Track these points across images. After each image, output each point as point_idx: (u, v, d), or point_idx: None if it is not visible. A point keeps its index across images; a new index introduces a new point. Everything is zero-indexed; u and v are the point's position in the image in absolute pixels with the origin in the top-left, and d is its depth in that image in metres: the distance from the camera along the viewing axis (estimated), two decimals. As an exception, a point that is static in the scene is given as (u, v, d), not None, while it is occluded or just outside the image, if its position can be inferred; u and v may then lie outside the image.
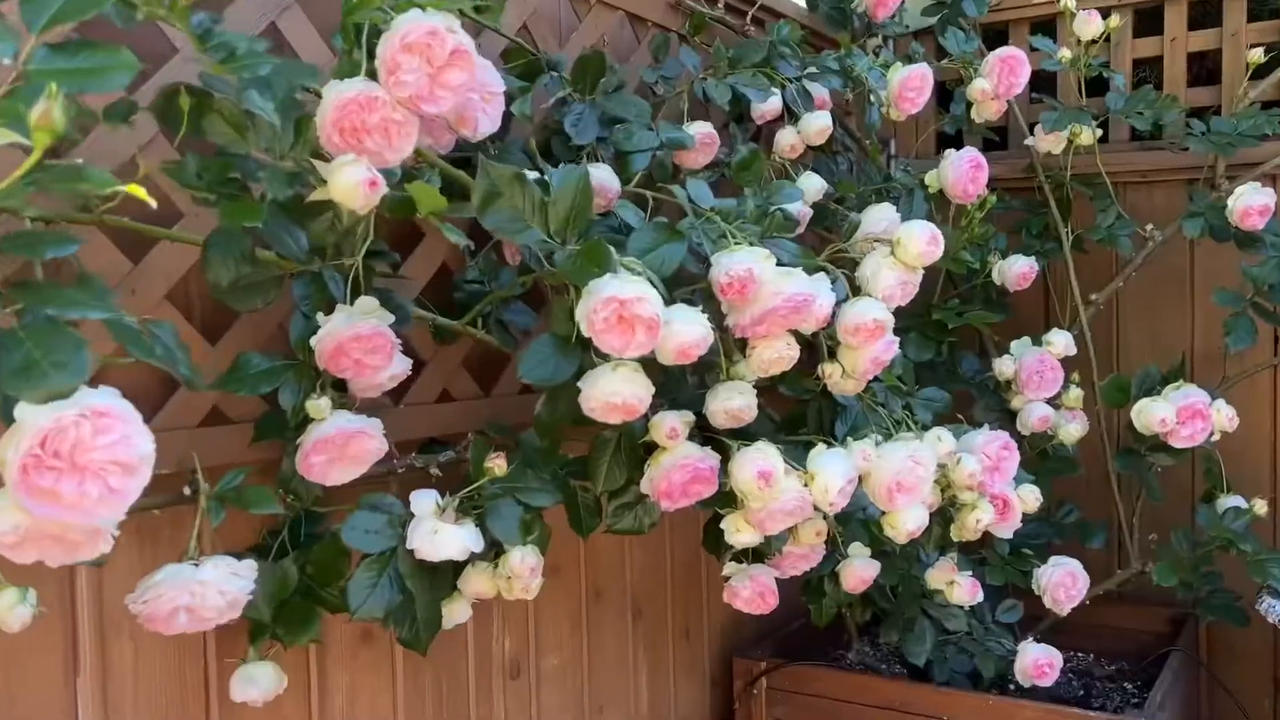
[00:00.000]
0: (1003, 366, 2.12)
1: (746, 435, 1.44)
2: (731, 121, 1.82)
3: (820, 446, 1.31)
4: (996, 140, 2.62)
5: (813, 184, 1.70)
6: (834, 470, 1.26)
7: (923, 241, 1.32)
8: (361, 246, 1.21)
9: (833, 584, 1.80)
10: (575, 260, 1.08)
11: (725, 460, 1.32)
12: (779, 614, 2.44)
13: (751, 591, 1.54)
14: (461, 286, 1.44)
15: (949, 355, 2.33)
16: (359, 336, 1.12)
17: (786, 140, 1.78)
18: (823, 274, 1.31)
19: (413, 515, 1.13)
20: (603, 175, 1.42)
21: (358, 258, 1.21)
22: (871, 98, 1.84)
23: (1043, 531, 2.27)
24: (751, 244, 1.24)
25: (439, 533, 1.11)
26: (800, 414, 1.60)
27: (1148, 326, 2.55)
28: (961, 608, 1.97)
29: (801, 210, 1.68)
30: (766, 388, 1.54)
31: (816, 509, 1.29)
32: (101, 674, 1.17)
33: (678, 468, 1.27)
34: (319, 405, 1.11)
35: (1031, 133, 2.36)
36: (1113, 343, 2.57)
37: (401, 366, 1.21)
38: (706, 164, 1.63)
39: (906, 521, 1.40)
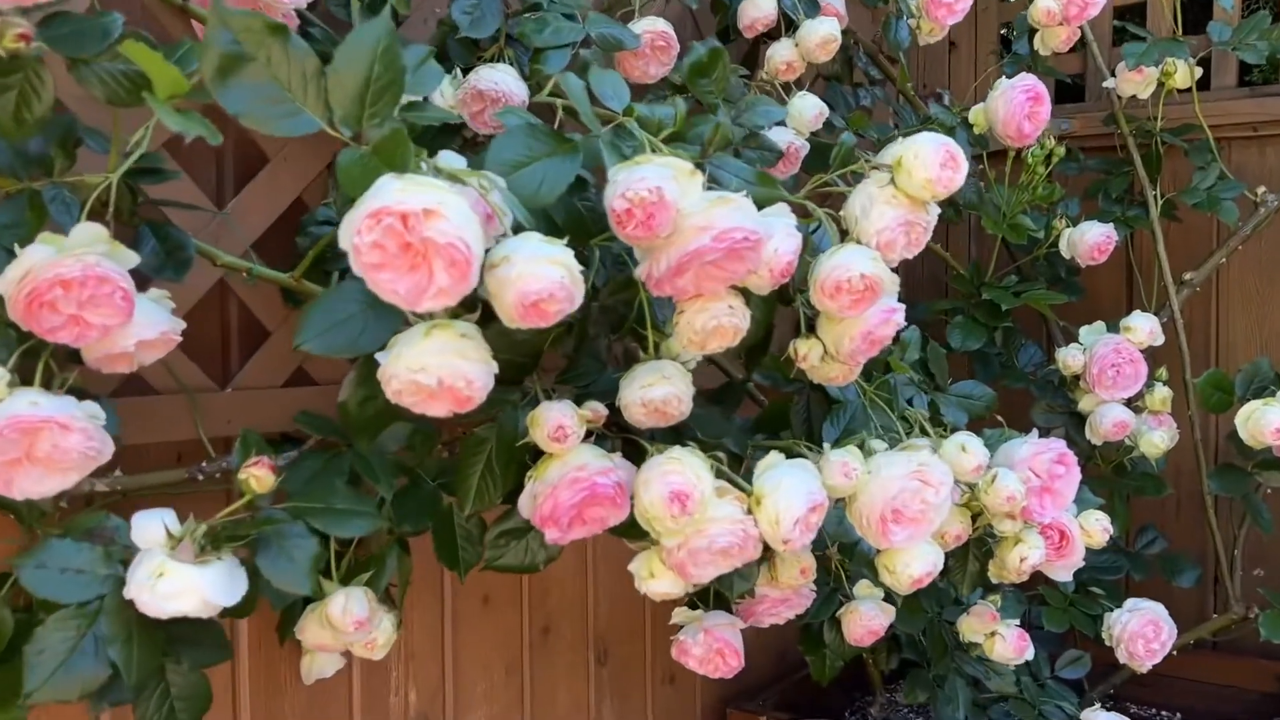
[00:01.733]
0: (1068, 358, 1.68)
1: (693, 440, 1.05)
2: (714, 36, 1.41)
3: (773, 458, 0.91)
4: (1071, 85, 2.17)
5: (806, 107, 1.28)
6: (790, 492, 0.86)
7: (934, 162, 0.91)
8: (117, 159, 0.85)
9: (834, 631, 1.39)
10: (359, 162, 0.69)
11: (651, 472, 0.93)
12: (791, 654, 2.04)
13: (705, 650, 1.14)
14: (308, 229, 1.06)
15: (1004, 344, 1.89)
16: (64, 280, 0.75)
17: (780, 56, 1.37)
18: (783, 208, 0.91)
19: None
20: (500, 77, 1.03)
21: (113, 175, 0.84)
22: (898, 4, 1.42)
23: (1118, 564, 1.83)
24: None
25: (165, 575, 0.73)
26: (780, 411, 1.19)
27: (1256, 312, 2.06)
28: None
29: (792, 144, 1.27)
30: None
31: (769, 546, 0.89)
32: None
33: (566, 483, 0.88)
34: (-6, 378, 0.75)
35: (1112, 73, 1.91)
36: (1211, 332, 2.09)
37: (159, 329, 0.84)
38: (662, 76, 1.23)
39: (909, 564, 0.99)
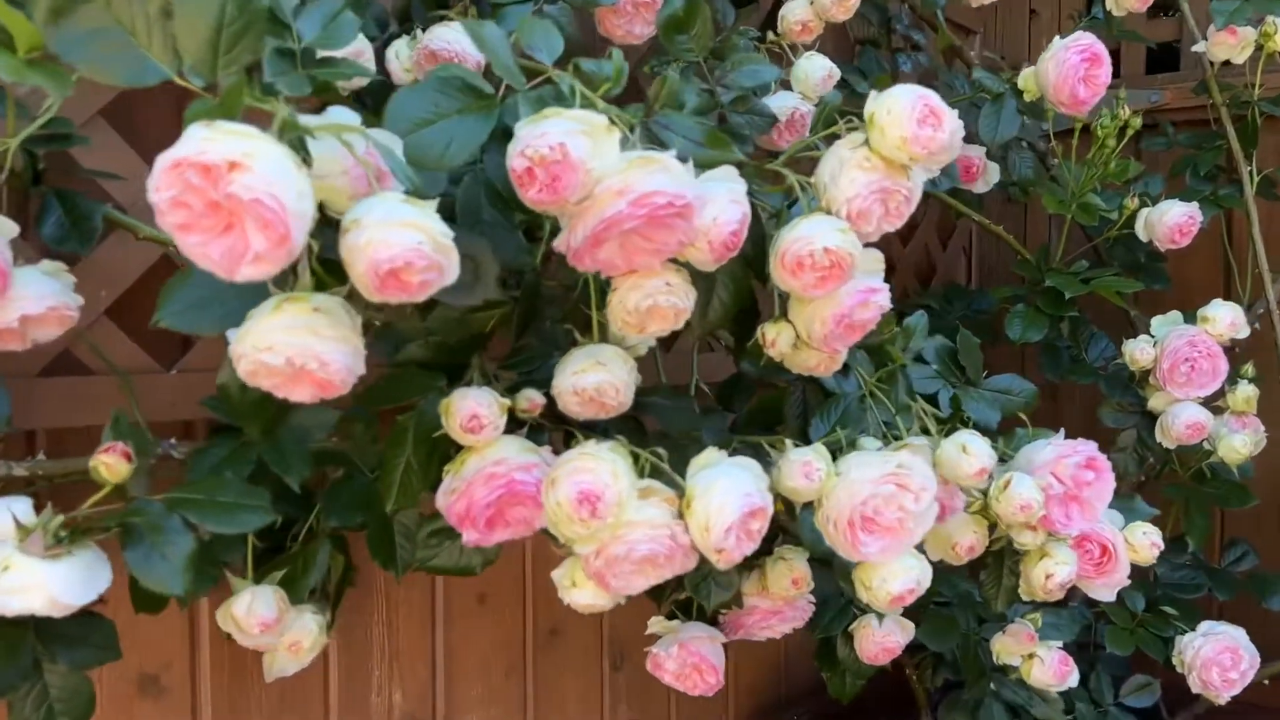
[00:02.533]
0: (1136, 351, 1.51)
1: (663, 435, 0.95)
2: None
3: (709, 455, 0.80)
4: (1164, 53, 1.98)
5: (813, 69, 1.16)
6: (724, 494, 0.75)
7: (909, 117, 0.79)
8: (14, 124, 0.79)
9: (848, 647, 1.27)
10: (208, 115, 0.61)
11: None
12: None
13: (680, 665, 1.04)
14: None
15: (1072, 336, 1.72)
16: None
17: (795, 15, 1.24)
18: (730, 171, 0.80)
19: None
20: (453, 36, 0.95)
21: (12, 141, 0.79)
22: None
23: (1197, 582, 1.64)
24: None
25: (10, 570, 0.67)
26: (774, 404, 1.08)
27: (1369, 304, 1.84)
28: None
29: (796, 109, 1.15)
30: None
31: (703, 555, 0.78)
32: None
33: (482, 479, 0.79)
34: None
35: (1204, 36, 1.72)
36: (1315, 326, 1.87)
37: (46, 303, 0.78)
38: (651, 36, 1.12)
39: (886, 580, 0.87)
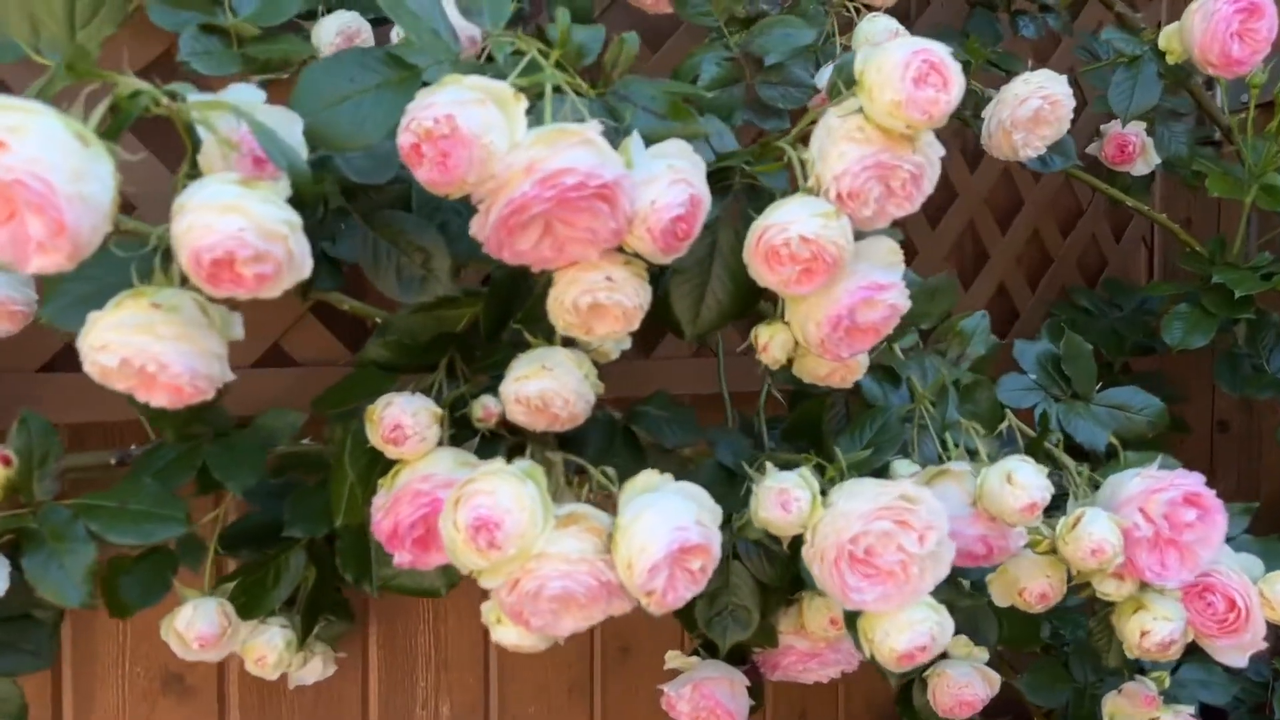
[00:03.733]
0: (1315, 361, 1.26)
1: (655, 448, 0.85)
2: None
3: (645, 479, 0.68)
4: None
5: (875, 31, 1.00)
6: (650, 527, 0.63)
7: (899, 75, 0.64)
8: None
9: (923, 695, 1.11)
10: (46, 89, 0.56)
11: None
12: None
13: (693, 706, 0.93)
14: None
15: (1250, 342, 1.47)
16: None
17: (871, -27, 1.09)
18: (683, 147, 0.68)
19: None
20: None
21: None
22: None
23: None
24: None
25: (-105, 573, 0.65)
26: (813, 417, 0.94)
27: None
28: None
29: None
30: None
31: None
32: None
33: (408, 496, 0.71)
34: None
35: None
36: None
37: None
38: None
39: (889, 635, 0.72)
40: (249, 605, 0.85)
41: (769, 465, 0.73)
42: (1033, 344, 1.10)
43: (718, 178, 0.79)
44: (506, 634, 0.73)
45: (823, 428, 0.94)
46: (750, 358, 0.91)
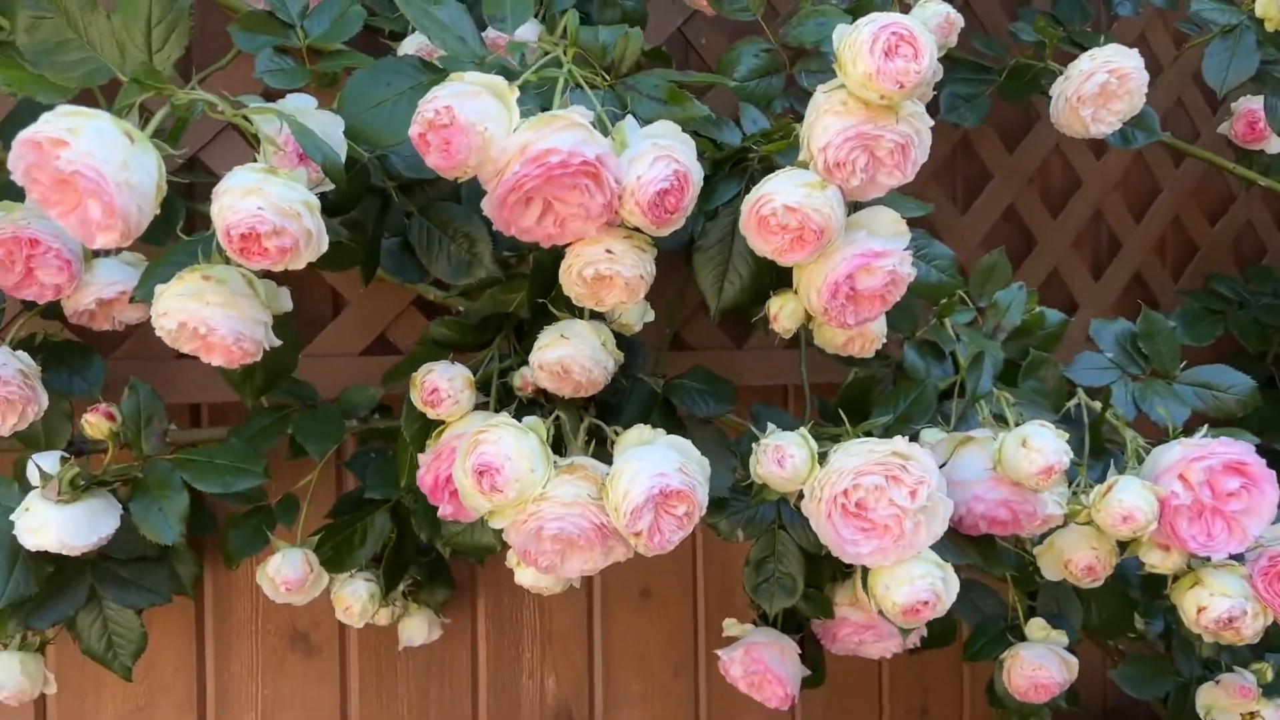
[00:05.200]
0: None
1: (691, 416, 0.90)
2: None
3: (636, 433, 0.73)
4: None
5: (929, 14, 1.01)
6: (634, 474, 0.69)
7: (868, 49, 0.67)
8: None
9: (1002, 679, 1.10)
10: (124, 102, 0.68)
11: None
12: (1093, 693, 1.63)
13: (744, 670, 0.97)
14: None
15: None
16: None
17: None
18: (672, 129, 0.73)
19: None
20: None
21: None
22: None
23: None
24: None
25: (29, 512, 0.79)
26: (862, 391, 0.97)
27: None
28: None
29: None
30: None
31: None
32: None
33: (445, 453, 0.79)
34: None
35: None
36: None
37: (118, 288, 0.89)
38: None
39: (889, 589, 0.75)
40: (336, 560, 0.96)
41: (770, 425, 0.77)
42: (1110, 323, 1.07)
43: (736, 160, 0.84)
44: (524, 575, 0.80)
45: (870, 402, 0.96)
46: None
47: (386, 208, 0.87)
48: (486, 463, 0.70)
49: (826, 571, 1.00)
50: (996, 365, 0.90)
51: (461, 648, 1.29)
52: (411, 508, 0.95)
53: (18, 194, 0.88)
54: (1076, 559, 0.87)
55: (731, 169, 0.83)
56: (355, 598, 0.98)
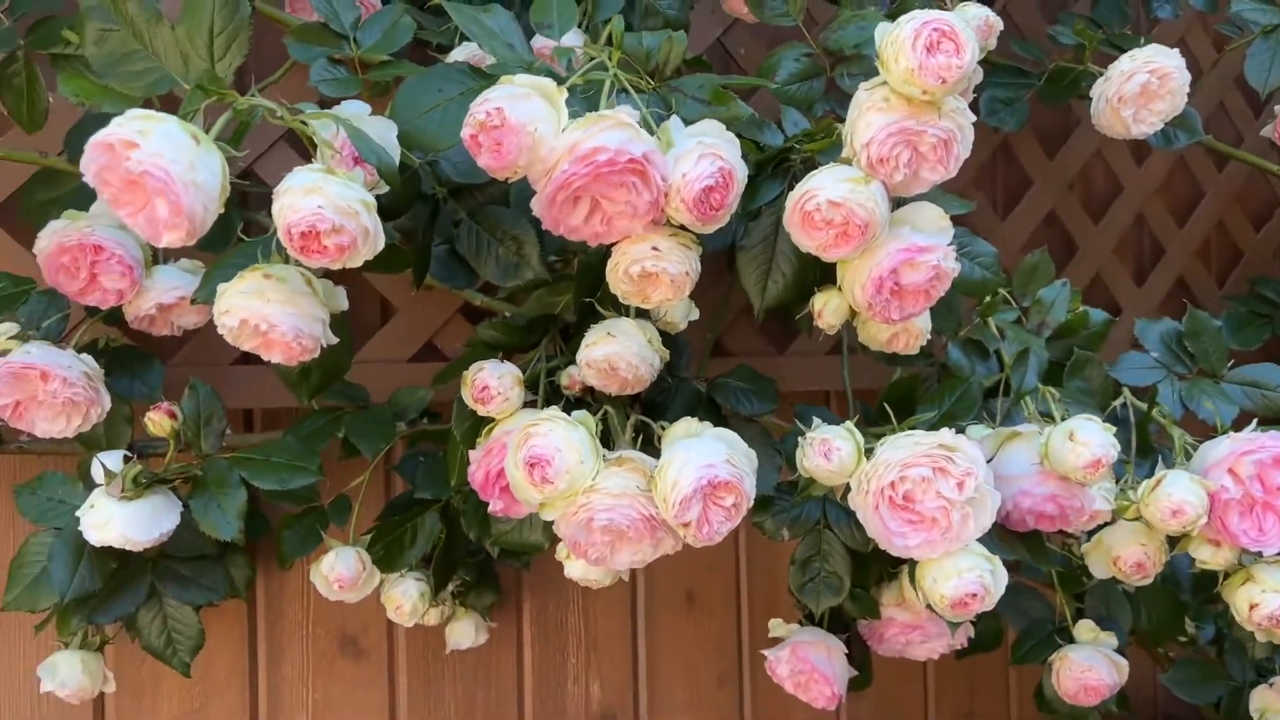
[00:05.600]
0: None
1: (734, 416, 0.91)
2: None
3: (684, 426, 0.74)
4: None
5: (967, 17, 1.01)
6: (682, 464, 0.70)
7: (910, 45, 0.68)
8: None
9: (1051, 682, 1.09)
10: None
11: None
12: (1143, 698, 1.61)
13: (791, 669, 0.97)
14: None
15: None
16: (63, 247, 0.87)
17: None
18: (716, 127, 0.74)
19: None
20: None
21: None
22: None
23: None
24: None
25: (94, 508, 0.81)
26: (907, 390, 0.98)
27: None
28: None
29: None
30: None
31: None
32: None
33: (495, 449, 0.81)
34: (1, 330, 0.88)
35: None
36: None
37: (177, 293, 0.92)
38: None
39: (937, 581, 0.75)
40: (387, 559, 0.98)
41: (815, 419, 0.78)
42: (1155, 322, 1.07)
43: (779, 160, 0.86)
44: (574, 568, 0.81)
45: (915, 400, 0.97)
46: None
47: (436, 214, 0.89)
48: (538, 455, 0.71)
49: (873, 572, 1.00)
50: (1041, 363, 0.91)
51: (507, 653, 1.30)
52: (461, 508, 0.97)
53: (82, 204, 0.93)
54: (1125, 555, 0.87)
55: (774, 169, 0.84)
56: (406, 597, 0.99)
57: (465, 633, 1.18)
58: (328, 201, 0.66)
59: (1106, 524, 0.89)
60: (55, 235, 0.88)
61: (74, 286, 0.90)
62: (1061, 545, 1.14)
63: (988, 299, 0.95)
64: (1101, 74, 1.13)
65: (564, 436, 0.71)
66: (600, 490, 0.71)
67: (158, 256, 0.94)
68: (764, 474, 0.90)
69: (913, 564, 0.79)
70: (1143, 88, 1.03)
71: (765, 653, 1.00)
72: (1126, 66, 1.03)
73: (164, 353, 1.04)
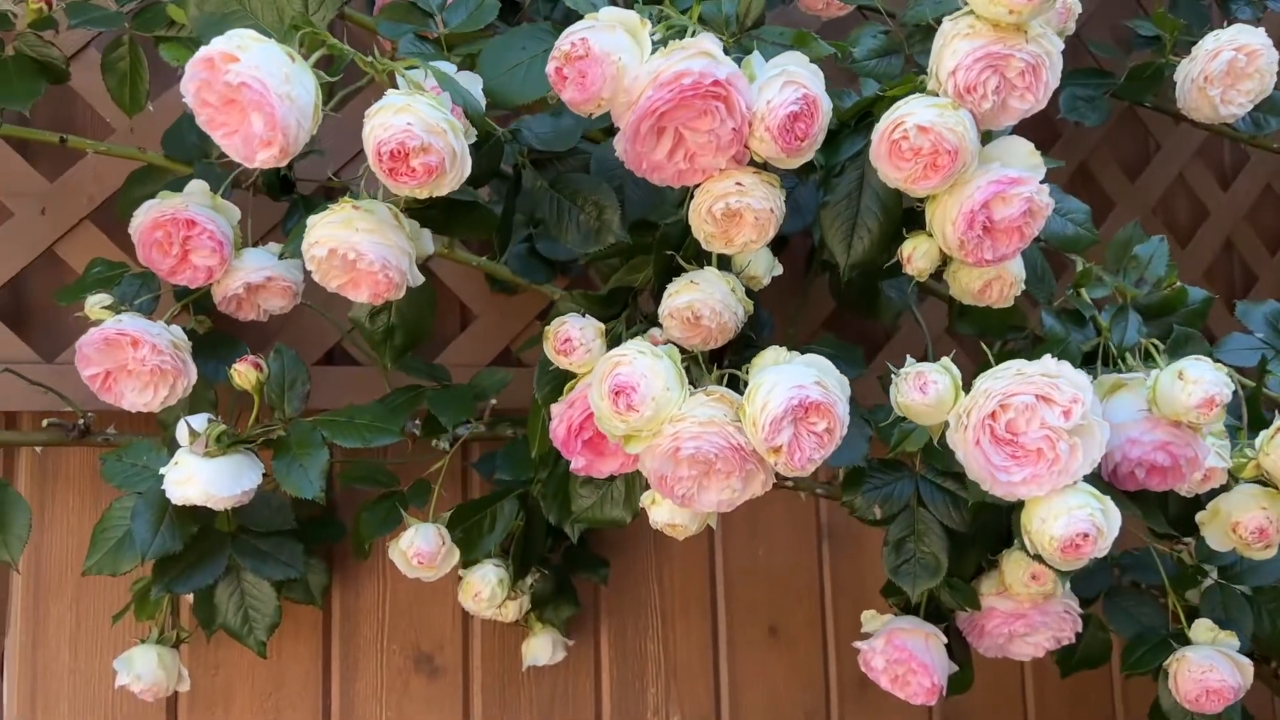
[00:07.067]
0: None
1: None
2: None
3: (775, 354, 0.72)
4: None
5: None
6: (771, 386, 0.67)
7: (997, -39, 0.68)
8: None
9: (1168, 690, 1.02)
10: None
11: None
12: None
13: (887, 659, 0.92)
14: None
15: None
16: (158, 221, 0.90)
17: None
18: (800, 58, 0.74)
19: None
20: None
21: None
22: None
23: None
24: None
25: (178, 464, 0.81)
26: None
27: None
28: None
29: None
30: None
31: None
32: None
33: (579, 400, 0.79)
34: (94, 300, 0.90)
35: None
36: None
37: (265, 273, 0.93)
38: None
39: (1045, 521, 0.70)
40: (466, 542, 0.96)
41: (908, 357, 0.76)
42: (1259, 304, 1.03)
43: (862, 116, 0.85)
44: (660, 513, 0.78)
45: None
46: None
47: (519, 185, 0.90)
48: (623, 382, 0.69)
49: (971, 559, 0.95)
50: (1140, 326, 0.87)
51: (585, 679, 1.25)
52: (540, 493, 0.95)
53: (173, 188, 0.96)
54: (1245, 521, 0.82)
55: (857, 125, 0.84)
56: (485, 582, 0.97)
57: (543, 649, 1.14)
58: (417, 119, 0.66)
59: (1221, 489, 0.84)
60: (150, 211, 0.91)
61: (166, 264, 0.92)
62: (1171, 550, 1.08)
63: (1080, 269, 0.93)
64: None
65: (650, 365, 0.70)
66: (688, 419, 0.69)
67: (246, 239, 0.97)
68: (854, 444, 0.87)
69: (1018, 519, 0.75)
70: (1229, 65, 1.01)
71: (858, 645, 0.94)
72: (1211, 45, 1.02)
73: (250, 347, 1.05)
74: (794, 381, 0.67)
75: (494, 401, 1.03)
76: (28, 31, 0.90)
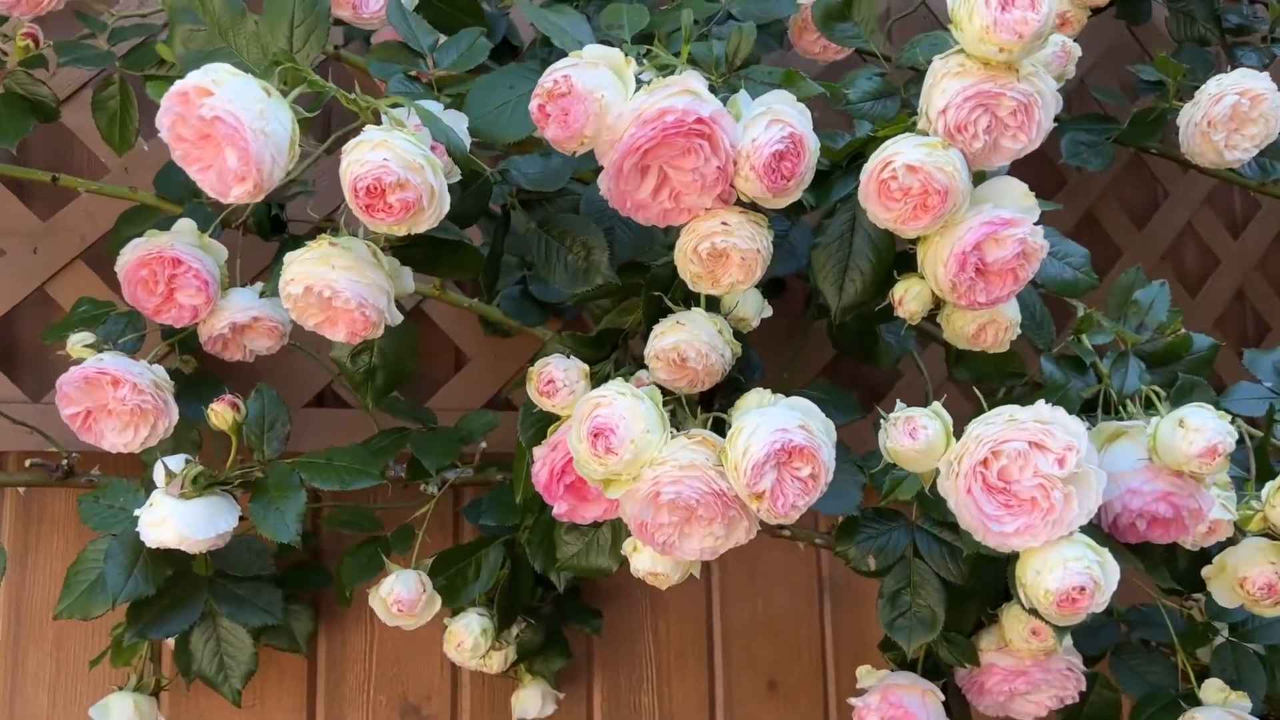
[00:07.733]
0: None
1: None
2: None
3: (759, 397, 0.70)
4: None
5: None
6: (753, 429, 0.65)
7: (989, 1, 0.67)
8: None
9: (1177, 755, 0.98)
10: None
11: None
12: None
13: (881, 718, 0.88)
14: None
15: None
16: (144, 260, 0.89)
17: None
18: (786, 96, 0.73)
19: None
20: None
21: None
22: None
23: None
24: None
25: (153, 505, 0.79)
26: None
27: None
28: None
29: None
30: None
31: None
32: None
33: (560, 444, 0.77)
34: (76, 339, 0.89)
35: None
36: None
37: (250, 313, 0.92)
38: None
39: (1040, 573, 0.68)
40: (449, 590, 0.93)
41: (898, 402, 0.73)
42: (1267, 353, 1.00)
43: (854, 157, 0.84)
44: (641, 560, 0.75)
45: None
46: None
47: (507, 225, 0.88)
48: (601, 424, 0.67)
49: (970, 614, 0.92)
50: (1141, 373, 0.85)
51: (569, 736, 1.22)
52: (525, 540, 0.92)
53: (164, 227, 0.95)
54: (1253, 576, 0.78)
55: (849, 165, 0.82)
56: (468, 631, 0.94)
57: (532, 700, 1.11)
58: (393, 154, 0.65)
59: (1227, 542, 0.81)
60: (137, 249, 0.90)
61: (151, 302, 0.91)
62: (1180, 607, 1.05)
63: (1081, 314, 0.90)
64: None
65: (630, 406, 0.68)
66: (668, 462, 0.67)
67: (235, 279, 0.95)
68: (847, 492, 0.85)
69: (1013, 571, 0.72)
70: (1233, 109, 1.00)
71: (852, 700, 0.91)
72: (1214, 89, 1.01)
73: (235, 388, 1.04)
74: (777, 425, 0.65)
75: (484, 445, 1.01)
76: (18, 70, 0.90)
